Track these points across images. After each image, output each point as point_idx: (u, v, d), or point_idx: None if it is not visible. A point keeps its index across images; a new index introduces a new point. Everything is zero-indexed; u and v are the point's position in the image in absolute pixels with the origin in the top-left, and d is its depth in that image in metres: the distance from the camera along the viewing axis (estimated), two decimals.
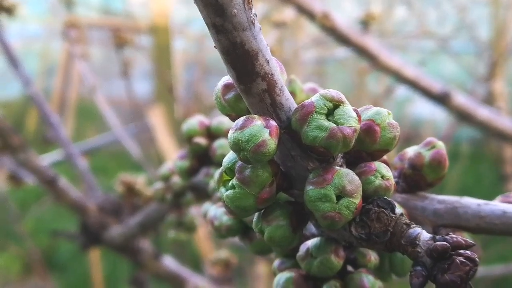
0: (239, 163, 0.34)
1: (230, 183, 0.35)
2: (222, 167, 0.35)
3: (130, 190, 1.02)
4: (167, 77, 4.01)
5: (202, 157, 0.58)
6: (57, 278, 4.03)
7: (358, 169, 0.35)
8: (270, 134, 0.31)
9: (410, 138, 4.62)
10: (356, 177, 0.34)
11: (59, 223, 4.29)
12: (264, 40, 0.32)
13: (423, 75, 1.38)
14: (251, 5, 0.31)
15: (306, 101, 0.34)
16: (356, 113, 0.34)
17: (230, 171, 0.36)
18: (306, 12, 1.36)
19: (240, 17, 0.31)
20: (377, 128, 0.35)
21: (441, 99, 1.36)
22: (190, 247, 3.13)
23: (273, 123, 0.32)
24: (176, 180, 0.63)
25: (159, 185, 0.68)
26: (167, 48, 3.96)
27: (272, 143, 0.32)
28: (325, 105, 0.32)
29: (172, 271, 1.13)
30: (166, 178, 0.66)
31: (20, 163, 1.12)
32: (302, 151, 0.34)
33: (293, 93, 0.48)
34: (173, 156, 3.16)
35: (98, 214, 1.10)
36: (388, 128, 0.36)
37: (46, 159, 3.17)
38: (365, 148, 0.35)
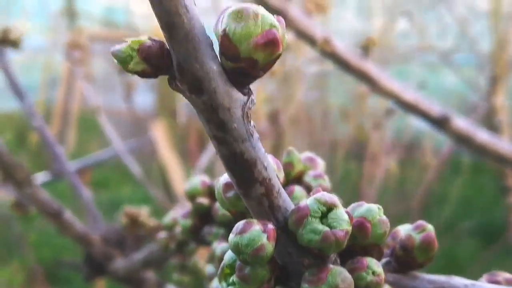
0: (239, 262, 0.36)
1: (231, 279, 0.36)
2: (223, 262, 0.37)
3: (134, 222, 1.04)
4: (169, 90, 4.02)
5: (204, 216, 0.60)
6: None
7: (350, 265, 0.37)
8: (268, 238, 0.33)
9: (411, 150, 4.64)
10: (349, 275, 0.35)
11: (62, 237, 4.31)
12: (262, 148, 0.35)
13: (422, 99, 1.40)
14: (250, 119, 0.33)
15: (301, 204, 0.35)
16: (348, 215, 0.36)
17: (231, 267, 0.36)
18: (306, 37, 1.38)
19: (240, 130, 0.33)
20: (369, 225, 0.37)
21: (440, 123, 1.37)
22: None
23: (270, 226, 0.34)
24: (180, 230, 0.65)
25: (162, 234, 0.70)
26: None
27: (270, 247, 0.33)
28: (319, 209, 0.34)
29: None
30: (169, 228, 0.68)
31: (25, 197, 1.14)
32: (298, 249, 0.35)
33: (291, 164, 0.50)
34: (176, 173, 3.18)
35: (102, 246, 1.12)
36: (379, 224, 0.38)
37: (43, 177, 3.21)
38: (357, 242, 0.37)
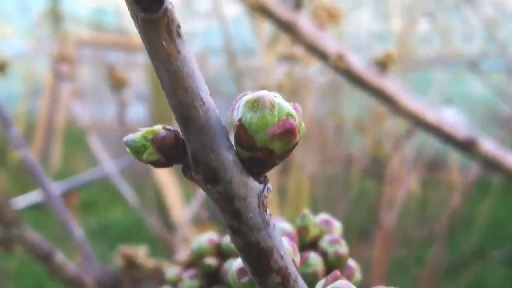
0: None
1: None
2: None
3: (131, 264, 1.06)
4: (164, 101, 4.05)
5: (212, 277, 0.63)
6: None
7: None
8: None
9: (435, 168, 4.66)
10: None
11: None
12: (278, 235, 0.37)
13: (446, 120, 1.42)
14: (266, 207, 0.36)
15: None
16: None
17: None
18: (317, 52, 1.40)
19: (256, 219, 0.35)
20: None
21: (467, 146, 1.39)
22: None
23: None
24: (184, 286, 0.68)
25: None
26: None
27: None
28: None
29: None
30: (174, 283, 0.70)
31: (13, 238, 1.17)
32: None
33: (305, 228, 0.53)
34: (173, 196, 3.20)
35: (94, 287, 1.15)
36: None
37: (29, 199, 3.24)
38: None
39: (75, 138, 6.14)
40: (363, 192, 4.40)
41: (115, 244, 3.80)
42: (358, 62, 1.39)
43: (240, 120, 0.34)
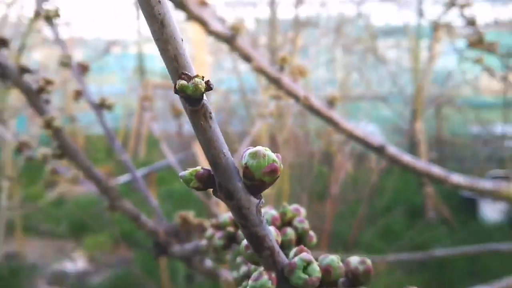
0: None
1: None
2: None
3: (185, 221, 1.05)
4: None
5: (231, 239, 0.63)
6: (135, 252, 4.07)
7: None
8: (272, 283, 0.36)
9: (362, 159, 4.65)
10: None
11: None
12: (268, 227, 0.37)
13: (367, 134, 1.41)
14: (261, 212, 0.36)
15: (291, 261, 0.37)
16: (320, 267, 0.39)
17: None
18: (293, 95, 1.39)
19: (255, 219, 0.35)
20: (331, 269, 0.40)
21: (379, 150, 1.39)
22: None
23: (273, 275, 0.36)
24: (216, 243, 0.67)
25: (204, 242, 0.73)
26: None
27: None
28: (302, 264, 0.37)
29: (211, 269, 1.19)
30: (209, 238, 0.70)
31: (116, 206, 1.16)
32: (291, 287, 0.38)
33: (284, 213, 0.53)
34: None
35: (165, 236, 1.14)
36: (338, 268, 0.40)
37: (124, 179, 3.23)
38: (325, 279, 0.40)
39: (153, 143, 6.15)
40: (320, 173, 4.39)
41: (176, 204, 3.81)
42: (316, 101, 1.38)
43: (245, 164, 0.35)
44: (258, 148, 0.35)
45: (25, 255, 4.00)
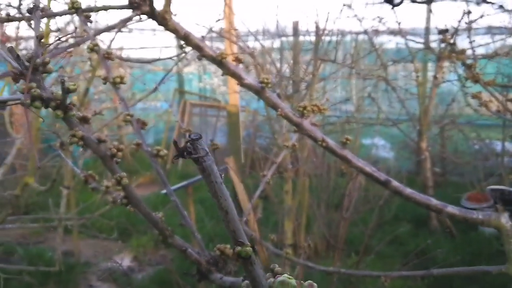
0: None
1: None
2: None
3: (222, 252, 1.10)
4: (236, 138, 4.15)
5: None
6: (173, 252, 4.15)
7: None
8: None
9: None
10: None
11: (174, 219, 4.42)
12: None
13: (376, 171, 1.49)
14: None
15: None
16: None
17: None
18: (312, 138, 1.47)
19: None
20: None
21: (385, 183, 1.46)
22: None
23: None
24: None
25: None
26: (236, 123, 4.09)
27: None
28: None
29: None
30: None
31: (169, 243, 1.21)
32: None
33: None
34: (240, 190, 3.24)
35: (206, 265, 1.19)
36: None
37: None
38: None
39: None
40: (337, 183, 4.44)
41: (207, 210, 3.86)
42: (331, 142, 1.46)
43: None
44: (284, 277, 0.44)
45: (79, 253, 4.15)
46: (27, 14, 0.85)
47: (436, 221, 4.41)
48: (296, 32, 4.85)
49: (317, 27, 3.46)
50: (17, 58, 0.73)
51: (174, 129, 6.44)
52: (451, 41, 2.06)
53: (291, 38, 4.41)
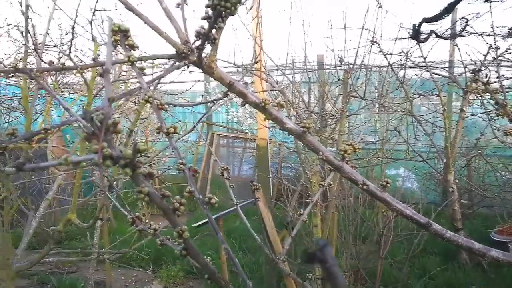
0: None
1: None
2: None
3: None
4: (264, 170, 4.15)
5: None
6: (202, 282, 4.14)
7: None
8: None
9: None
10: None
11: (203, 248, 4.43)
12: None
13: (416, 213, 1.46)
14: None
15: None
16: None
17: None
18: (353, 181, 1.45)
19: None
20: None
21: (427, 227, 1.43)
22: None
23: None
24: None
25: None
26: (265, 156, 4.10)
27: None
28: None
29: None
30: None
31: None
32: None
33: None
34: (269, 221, 3.22)
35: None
36: None
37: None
38: None
39: (218, 183, 6.27)
40: (364, 214, 4.39)
41: (237, 239, 3.84)
42: (372, 186, 1.45)
43: None
44: None
45: (111, 283, 4.16)
46: (75, 60, 0.88)
47: (465, 254, 4.31)
48: (321, 65, 4.90)
49: (345, 63, 3.48)
50: (91, 119, 0.75)
51: (202, 160, 6.49)
52: (485, 80, 2.06)
53: (317, 72, 4.44)
